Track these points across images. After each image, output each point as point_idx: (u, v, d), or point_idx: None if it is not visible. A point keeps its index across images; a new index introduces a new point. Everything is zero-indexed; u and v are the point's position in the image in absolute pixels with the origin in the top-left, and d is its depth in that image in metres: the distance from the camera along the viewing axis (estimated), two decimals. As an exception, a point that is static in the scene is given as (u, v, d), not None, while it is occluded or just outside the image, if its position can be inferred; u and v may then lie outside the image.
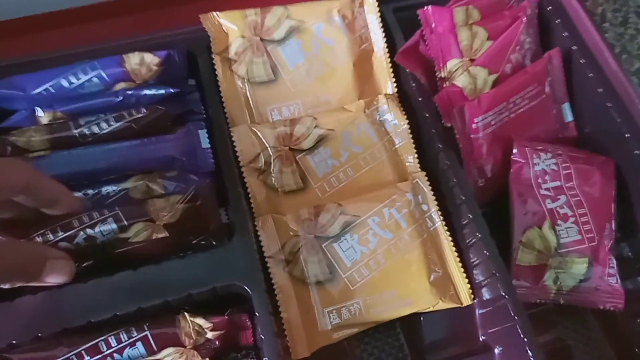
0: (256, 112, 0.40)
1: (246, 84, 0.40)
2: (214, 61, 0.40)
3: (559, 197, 0.39)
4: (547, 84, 0.42)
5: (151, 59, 0.39)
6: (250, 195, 0.39)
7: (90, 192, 0.36)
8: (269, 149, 0.39)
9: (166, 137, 0.37)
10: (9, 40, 0.43)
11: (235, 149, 0.39)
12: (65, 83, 0.38)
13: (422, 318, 0.39)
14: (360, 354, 0.40)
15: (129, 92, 0.38)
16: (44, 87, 0.38)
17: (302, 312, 0.36)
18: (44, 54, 0.39)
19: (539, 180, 0.39)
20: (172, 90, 0.39)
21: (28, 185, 0.29)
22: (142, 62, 0.39)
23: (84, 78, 0.38)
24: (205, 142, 0.38)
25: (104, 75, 0.38)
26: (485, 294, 0.37)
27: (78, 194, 0.36)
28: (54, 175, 0.35)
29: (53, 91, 0.38)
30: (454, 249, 0.38)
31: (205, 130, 0.38)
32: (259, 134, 0.39)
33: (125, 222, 0.34)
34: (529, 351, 0.33)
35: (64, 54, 0.40)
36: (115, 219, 0.34)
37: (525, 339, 0.33)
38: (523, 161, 0.39)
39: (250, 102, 0.40)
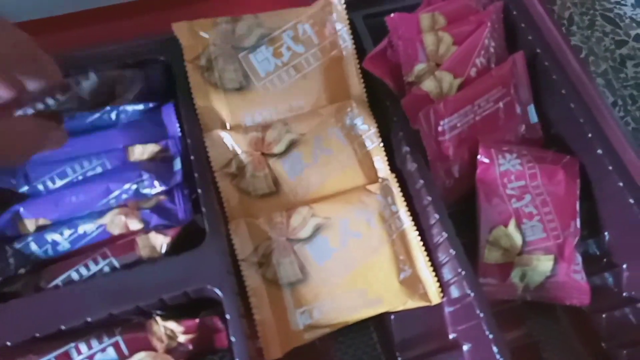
0: (229, 119, 0.41)
1: (219, 91, 0.41)
2: (186, 69, 0.40)
3: (524, 196, 0.40)
4: (512, 86, 0.43)
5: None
6: (223, 200, 0.39)
7: (66, 232, 0.36)
8: (241, 154, 0.40)
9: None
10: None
11: (208, 154, 0.39)
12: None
13: (393, 317, 0.40)
14: (334, 353, 0.41)
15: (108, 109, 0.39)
16: None
17: (275, 314, 0.37)
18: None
19: (505, 180, 0.41)
20: (151, 105, 0.40)
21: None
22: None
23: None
24: (177, 165, 0.39)
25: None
26: (454, 292, 0.38)
27: (55, 235, 0.36)
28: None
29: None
30: (423, 248, 0.39)
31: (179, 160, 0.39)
32: (232, 139, 0.40)
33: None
34: (494, 347, 0.34)
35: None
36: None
37: (491, 336, 0.34)
38: (489, 162, 0.41)
39: (223, 108, 0.41)
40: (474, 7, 0.45)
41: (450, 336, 0.39)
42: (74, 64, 0.40)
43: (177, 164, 0.38)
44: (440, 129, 0.40)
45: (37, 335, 0.32)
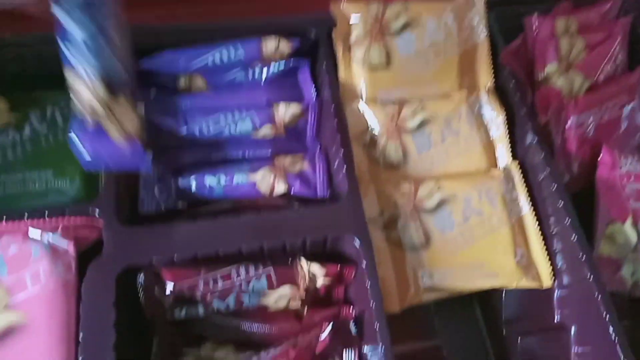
0: (368, 93, 0.44)
1: (361, 67, 0.44)
2: (335, 44, 0.45)
3: (642, 198, 0.42)
4: (637, 96, 0.45)
5: (285, 46, 0.44)
6: (355, 165, 0.43)
7: (222, 179, 0.41)
8: (376, 125, 0.43)
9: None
10: (161, 9, 0.49)
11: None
12: (210, 61, 0.43)
13: (504, 294, 0.42)
14: (436, 322, 0.44)
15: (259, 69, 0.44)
16: (193, 64, 0.43)
17: (396, 272, 0.40)
18: (188, 25, 0.45)
19: (624, 181, 0.42)
20: (291, 68, 0.45)
21: None
22: (277, 48, 0.44)
23: (227, 60, 0.43)
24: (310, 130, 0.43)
25: (242, 57, 0.43)
26: (565, 278, 0.40)
27: (212, 180, 0.40)
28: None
29: (200, 66, 0.43)
30: (540, 235, 0.41)
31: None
32: (370, 111, 0.44)
33: None
34: (610, 327, 0.36)
35: (205, 28, 0.45)
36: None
37: (607, 317, 0.36)
38: (611, 161, 0.43)
39: (363, 83, 0.45)
40: (605, 18, 0.47)
41: (556, 318, 0.41)
42: (234, 31, 0.45)
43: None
44: (567, 125, 0.42)
45: (197, 254, 0.36)
